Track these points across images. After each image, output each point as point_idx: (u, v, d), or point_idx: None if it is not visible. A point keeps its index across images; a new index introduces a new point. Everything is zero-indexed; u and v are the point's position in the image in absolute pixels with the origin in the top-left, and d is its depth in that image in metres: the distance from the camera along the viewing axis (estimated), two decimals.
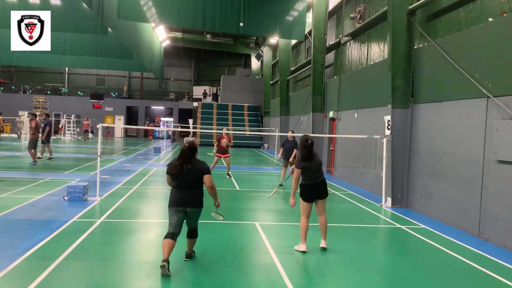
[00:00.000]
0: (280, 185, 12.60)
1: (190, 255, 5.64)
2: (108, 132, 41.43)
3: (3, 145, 24.42)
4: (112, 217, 7.96)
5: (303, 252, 6.20)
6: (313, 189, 6.36)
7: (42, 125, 16.76)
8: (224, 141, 13.68)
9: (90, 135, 35.01)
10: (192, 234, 5.58)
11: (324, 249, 6.33)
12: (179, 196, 5.30)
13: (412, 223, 8.57)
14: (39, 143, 15.90)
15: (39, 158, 16.72)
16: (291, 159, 12.42)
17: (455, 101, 8.47)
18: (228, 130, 13.75)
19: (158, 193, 11.11)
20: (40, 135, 15.93)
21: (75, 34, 21.30)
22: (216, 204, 5.60)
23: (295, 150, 12.62)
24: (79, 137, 34.75)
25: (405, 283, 5.27)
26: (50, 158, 16.91)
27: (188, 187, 5.30)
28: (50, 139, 17.26)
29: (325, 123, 17.65)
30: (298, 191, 6.46)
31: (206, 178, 5.32)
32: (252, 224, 7.77)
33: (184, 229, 5.49)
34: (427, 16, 9.76)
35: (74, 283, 4.83)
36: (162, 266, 4.94)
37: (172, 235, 5.21)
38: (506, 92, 6.99)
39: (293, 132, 13.00)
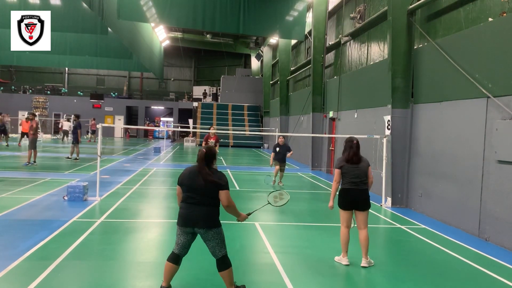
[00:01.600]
0: (274, 182, 12.73)
1: None
2: (128, 133, 41.87)
3: (2, 145, 24.40)
4: (112, 217, 7.96)
5: (345, 265, 5.74)
6: (351, 194, 5.77)
7: (73, 126, 17.41)
8: (211, 142, 13.66)
9: (90, 135, 34.96)
10: (223, 265, 4.35)
11: (365, 268, 5.68)
12: (188, 213, 4.27)
13: (412, 223, 8.57)
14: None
15: (68, 158, 17.27)
16: (288, 154, 12.72)
17: (455, 101, 8.47)
18: (214, 129, 13.61)
19: (158, 193, 11.11)
20: (39, 135, 16.08)
21: (75, 34, 21.34)
22: (239, 220, 4.57)
23: (289, 152, 12.82)
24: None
25: (405, 283, 5.26)
26: (74, 159, 17.34)
27: (200, 203, 4.25)
28: (79, 140, 17.86)
29: (325, 123, 17.66)
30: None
31: (222, 194, 4.24)
32: (252, 224, 7.77)
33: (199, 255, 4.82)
34: (427, 16, 9.76)
35: (74, 283, 4.83)
36: None
37: (176, 258, 4.42)
38: (506, 92, 6.99)
39: (283, 138, 13.08)
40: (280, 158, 12.86)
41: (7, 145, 22.41)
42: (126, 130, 41.96)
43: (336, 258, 5.94)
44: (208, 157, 4.32)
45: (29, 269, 5.10)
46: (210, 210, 4.27)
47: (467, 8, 8.36)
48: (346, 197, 5.80)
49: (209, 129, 13.91)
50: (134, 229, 7.18)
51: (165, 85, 49.49)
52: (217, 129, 29.84)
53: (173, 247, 4.46)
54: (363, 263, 5.72)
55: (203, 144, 13.57)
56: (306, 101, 19.94)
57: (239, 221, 4.58)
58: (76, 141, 17.40)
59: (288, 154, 12.97)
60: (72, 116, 19.30)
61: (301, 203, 10.64)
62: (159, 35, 32.83)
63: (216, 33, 35.42)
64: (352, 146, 5.82)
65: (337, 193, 5.96)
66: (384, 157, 10.30)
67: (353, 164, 5.78)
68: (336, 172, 5.85)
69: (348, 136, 6.17)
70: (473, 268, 5.90)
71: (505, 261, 6.22)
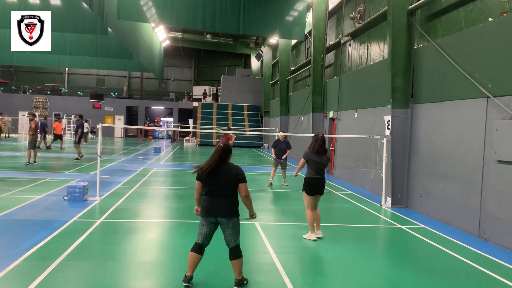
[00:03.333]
0: (270, 184, 12.61)
1: (240, 283, 4.73)
2: (141, 134, 41.83)
3: (2, 145, 24.41)
4: (112, 217, 7.96)
5: (313, 240, 6.84)
6: (316, 183, 6.87)
7: (76, 126, 17.55)
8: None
9: (90, 135, 34.95)
10: (235, 254, 4.71)
11: (320, 238, 6.94)
12: (211, 205, 4.65)
13: (412, 223, 8.57)
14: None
15: (77, 158, 17.24)
16: (284, 156, 12.50)
17: (455, 101, 8.47)
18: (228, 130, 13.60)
19: (158, 193, 11.11)
20: (39, 135, 16.12)
21: (75, 34, 21.32)
22: (253, 215, 4.96)
23: (288, 150, 12.58)
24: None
25: (405, 283, 5.26)
26: (77, 158, 17.32)
27: (220, 195, 4.64)
28: (81, 141, 17.95)
29: (325, 123, 17.66)
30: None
31: (241, 187, 4.67)
32: (252, 224, 7.76)
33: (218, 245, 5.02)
34: (427, 16, 9.76)
35: (74, 283, 4.83)
36: (186, 281, 4.65)
37: (199, 248, 4.73)
38: (506, 92, 7.00)
39: (284, 133, 12.91)
40: (280, 155, 12.56)
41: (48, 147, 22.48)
42: (140, 131, 42.29)
43: (305, 236, 6.96)
44: (225, 153, 4.70)
45: (29, 269, 5.10)
46: (231, 201, 4.69)
47: (467, 8, 8.36)
48: (312, 186, 6.89)
49: (227, 129, 13.82)
50: (134, 229, 7.18)
51: (165, 85, 49.50)
52: (217, 129, 29.94)
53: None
54: (318, 234, 7.00)
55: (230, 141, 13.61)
56: (306, 101, 19.94)
57: (252, 217, 4.98)
58: (77, 141, 17.48)
59: (284, 155, 12.53)
60: (73, 116, 19.37)
61: (301, 203, 10.62)
62: (159, 35, 32.83)
63: (216, 33, 35.41)
64: (317, 140, 6.89)
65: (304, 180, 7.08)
66: (384, 157, 10.30)
67: (317, 158, 6.84)
68: (302, 162, 7.02)
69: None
70: (473, 268, 5.90)
71: (505, 261, 6.22)
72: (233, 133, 13.93)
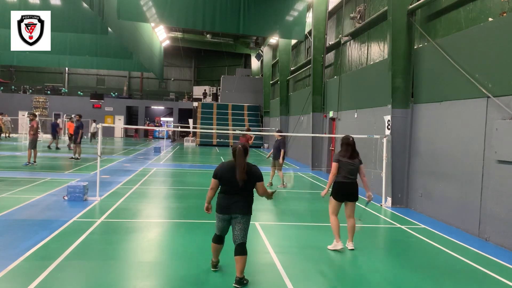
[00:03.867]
0: (270, 184, 12.66)
1: (241, 281, 4.75)
2: (137, 134, 41.72)
3: (2, 145, 24.41)
4: (112, 217, 7.97)
5: (340, 249, 6.32)
6: (345, 188, 6.36)
7: (75, 127, 17.59)
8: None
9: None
10: (240, 250, 4.78)
11: (352, 250, 6.44)
12: (227, 203, 4.81)
13: (412, 223, 8.57)
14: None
15: (77, 159, 17.27)
16: (281, 160, 12.49)
17: (455, 101, 8.47)
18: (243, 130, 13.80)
19: (158, 193, 11.11)
20: (39, 135, 16.15)
21: (75, 34, 21.33)
22: (272, 193, 5.20)
23: (282, 150, 12.56)
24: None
25: (405, 283, 5.26)
26: (77, 158, 17.34)
27: (237, 193, 4.80)
28: (82, 140, 17.87)
29: (325, 123, 17.66)
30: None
31: (259, 186, 4.88)
32: (252, 224, 7.74)
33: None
34: (427, 16, 9.76)
35: (74, 283, 4.83)
36: (214, 266, 5.22)
37: (219, 239, 5.08)
38: (506, 92, 6.99)
39: (281, 132, 13.02)
40: (274, 154, 12.85)
41: (52, 148, 22.56)
42: (135, 130, 42.52)
43: (330, 247, 6.42)
44: (245, 153, 4.83)
45: (29, 269, 5.10)
46: (248, 199, 4.87)
47: (467, 8, 8.36)
48: (341, 190, 6.38)
49: (247, 130, 14.07)
50: (134, 229, 7.18)
51: (165, 85, 49.51)
52: (217, 129, 29.91)
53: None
54: (351, 246, 6.44)
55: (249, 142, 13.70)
56: (306, 101, 19.94)
57: (272, 194, 5.16)
58: (78, 141, 17.48)
59: (281, 159, 12.55)
60: (73, 115, 19.36)
61: (301, 203, 10.64)
62: (159, 35, 32.82)
63: (216, 33, 35.41)
64: (349, 144, 6.38)
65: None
66: (384, 157, 10.30)
67: (349, 160, 6.34)
68: (334, 165, 6.39)
69: (346, 135, 6.62)
70: (473, 268, 5.90)
71: (505, 261, 6.22)
72: (252, 134, 14.15)
